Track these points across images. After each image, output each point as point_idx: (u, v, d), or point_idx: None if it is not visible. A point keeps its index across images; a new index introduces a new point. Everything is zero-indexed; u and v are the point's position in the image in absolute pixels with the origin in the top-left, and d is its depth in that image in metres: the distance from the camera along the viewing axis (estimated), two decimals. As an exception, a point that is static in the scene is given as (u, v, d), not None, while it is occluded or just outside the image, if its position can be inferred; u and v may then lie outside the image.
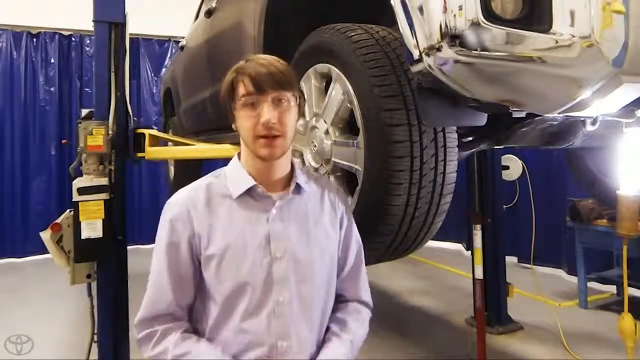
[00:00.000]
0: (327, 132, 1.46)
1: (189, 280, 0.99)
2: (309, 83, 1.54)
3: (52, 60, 6.01)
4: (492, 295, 3.48)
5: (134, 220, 5.66)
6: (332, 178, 1.45)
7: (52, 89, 6.00)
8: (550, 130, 1.52)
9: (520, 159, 3.97)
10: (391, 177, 1.22)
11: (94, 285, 2.46)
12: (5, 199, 5.73)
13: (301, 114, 1.05)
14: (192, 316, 1.02)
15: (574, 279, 4.22)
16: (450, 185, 1.32)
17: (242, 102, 0.97)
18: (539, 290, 3.95)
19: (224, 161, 1.15)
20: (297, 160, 1.56)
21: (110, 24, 2.49)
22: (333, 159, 1.43)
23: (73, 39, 6.11)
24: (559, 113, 1.01)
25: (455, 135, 1.32)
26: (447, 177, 1.30)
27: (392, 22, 1.13)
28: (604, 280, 4.08)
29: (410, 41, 1.06)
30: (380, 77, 1.23)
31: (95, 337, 2.46)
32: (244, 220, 0.99)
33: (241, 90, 0.97)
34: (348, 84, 1.33)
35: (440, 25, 0.97)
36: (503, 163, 3.79)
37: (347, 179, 1.44)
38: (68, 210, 2.40)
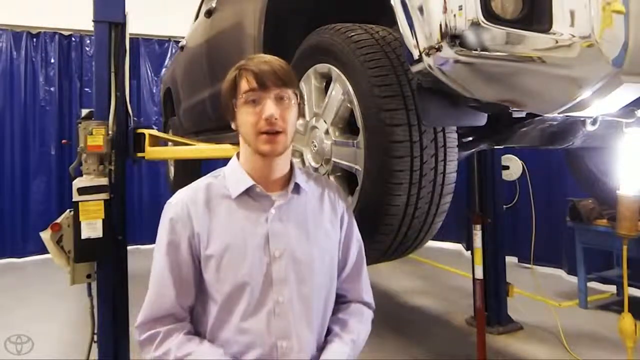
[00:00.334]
0: (327, 132, 1.46)
1: (190, 280, 0.99)
2: (309, 83, 1.54)
3: (52, 60, 6.02)
4: (492, 295, 3.48)
5: (134, 220, 5.66)
6: (332, 178, 1.45)
7: (52, 89, 6.01)
8: (550, 130, 1.52)
9: (520, 159, 3.97)
10: (391, 177, 1.22)
11: (94, 285, 2.46)
12: (5, 199, 5.74)
13: (300, 114, 1.05)
14: (192, 316, 1.02)
15: (574, 279, 4.22)
16: (450, 185, 1.32)
17: (245, 98, 0.98)
18: (539, 290, 3.95)
19: (224, 161, 1.15)
20: (296, 160, 1.57)
21: (110, 24, 2.49)
22: (333, 159, 1.43)
23: (73, 39, 6.12)
24: (559, 113, 1.01)
25: (455, 135, 1.32)
26: (447, 177, 1.30)
27: (392, 22, 1.13)
28: (604, 280, 4.09)
29: (410, 41, 1.06)
30: (380, 77, 1.23)
31: (95, 337, 2.46)
32: (243, 220, 0.99)
33: (244, 86, 0.98)
34: (348, 84, 1.33)
35: (440, 25, 0.97)
36: (503, 163, 3.78)
37: (347, 179, 1.44)
38: (68, 210, 2.39)
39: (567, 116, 1.24)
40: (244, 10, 2.09)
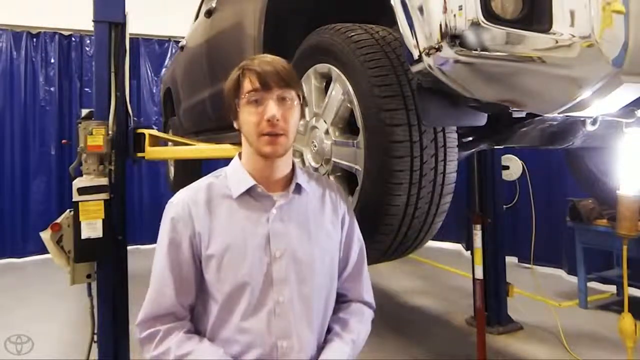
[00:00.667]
0: (327, 132, 1.46)
1: (191, 279, 0.99)
2: (309, 83, 1.54)
3: (52, 60, 6.02)
4: (492, 295, 3.49)
5: (134, 220, 5.67)
6: (332, 178, 1.45)
7: (52, 89, 6.01)
8: (550, 130, 1.52)
9: (520, 159, 3.97)
10: (391, 177, 1.22)
11: (94, 285, 2.46)
12: (5, 199, 5.74)
13: (303, 115, 1.06)
14: (193, 315, 1.02)
15: (574, 279, 4.22)
16: (450, 185, 1.32)
17: (247, 98, 0.98)
18: (539, 290, 3.95)
19: (224, 161, 1.16)
20: (296, 160, 1.57)
21: (110, 24, 2.49)
22: (333, 159, 1.43)
23: (73, 39, 6.12)
24: (559, 113, 1.01)
25: (455, 135, 1.32)
26: (447, 177, 1.30)
27: (392, 22, 1.13)
28: (604, 280, 4.09)
29: (410, 41, 1.06)
30: (380, 77, 1.23)
31: (95, 337, 2.46)
32: (244, 220, 0.99)
33: (247, 86, 0.98)
34: (348, 84, 1.33)
35: (440, 25, 0.97)
36: (503, 163, 3.78)
37: (347, 179, 1.44)
38: (68, 210, 2.40)
39: (567, 116, 1.24)
40: (244, 10, 2.09)
